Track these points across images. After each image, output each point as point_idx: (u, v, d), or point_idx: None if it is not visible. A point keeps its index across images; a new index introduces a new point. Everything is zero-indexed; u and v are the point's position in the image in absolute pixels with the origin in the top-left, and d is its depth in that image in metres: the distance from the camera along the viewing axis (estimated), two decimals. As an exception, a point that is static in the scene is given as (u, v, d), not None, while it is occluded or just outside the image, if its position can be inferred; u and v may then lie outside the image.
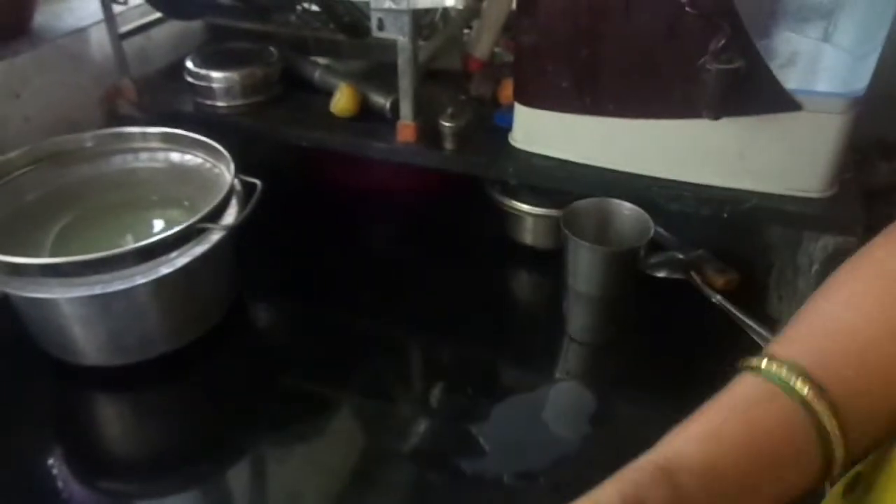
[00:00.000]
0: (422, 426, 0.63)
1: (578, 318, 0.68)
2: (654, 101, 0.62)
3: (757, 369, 0.38)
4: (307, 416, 0.63)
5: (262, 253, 0.81)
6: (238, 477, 0.59)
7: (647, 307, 0.70)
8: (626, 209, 0.67)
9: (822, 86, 0.59)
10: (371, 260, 0.83)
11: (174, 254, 0.60)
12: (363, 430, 0.63)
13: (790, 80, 0.59)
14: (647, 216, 0.65)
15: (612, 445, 0.58)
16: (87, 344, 0.62)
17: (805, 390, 0.37)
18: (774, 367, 0.38)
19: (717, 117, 0.60)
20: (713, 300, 0.72)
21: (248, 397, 0.66)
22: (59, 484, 0.57)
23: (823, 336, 0.40)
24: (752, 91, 0.59)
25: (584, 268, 0.63)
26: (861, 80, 0.58)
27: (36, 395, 0.66)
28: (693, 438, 0.37)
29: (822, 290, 0.42)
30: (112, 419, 0.66)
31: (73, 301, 0.58)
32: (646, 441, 0.38)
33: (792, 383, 0.37)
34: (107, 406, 0.67)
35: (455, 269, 0.80)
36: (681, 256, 0.77)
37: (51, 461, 0.59)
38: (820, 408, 0.36)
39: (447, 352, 0.70)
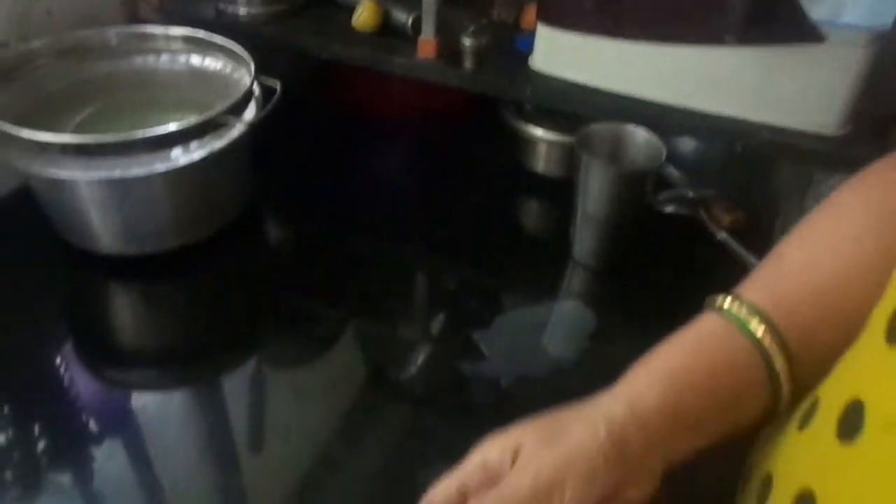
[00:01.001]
0: (425, 334, 0.65)
1: (585, 242, 0.69)
2: (677, 23, 0.62)
3: (720, 308, 0.42)
4: (310, 327, 0.65)
5: (276, 165, 0.83)
6: (237, 380, 0.60)
7: (653, 239, 0.71)
8: (639, 135, 0.67)
9: (848, 18, 0.59)
10: (382, 181, 0.84)
11: (192, 145, 0.60)
12: (365, 346, 0.64)
13: (816, 11, 0.59)
14: (660, 142, 0.65)
15: (609, 360, 0.59)
16: (104, 231, 0.63)
17: (759, 331, 0.40)
18: (735, 306, 0.41)
19: (740, 43, 0.60)
20: (719, 237, 0.73)
21: (253, 304, 0.67)
22: (66, 369, 0.59)
23: (785, 280, 0.43)
24: (777, 19, 0.59)
25: (595, 188, 0.64)
26: (887, 14, 0.58)
27: (52, 281, 0.68)
28: (657, 379, 0.41)
29: (790, 236, 0.45)
30: (122, 309, 0.68)
31: (91, 184, 0.59)
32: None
33: (748, 324, 0.40)
34: (118, 296, 0.69)
35: (465, 194, 0.81)
36: (690, 194, 0.78)
37: (60, 346, 0.61)
38: (772, 349, 0.40)
39: (453, 273, 0.72)
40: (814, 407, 0.36)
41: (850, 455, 0.31)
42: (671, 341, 0.43)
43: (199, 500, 0.51)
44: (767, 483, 0.38)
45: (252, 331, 0.65)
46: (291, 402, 0.59)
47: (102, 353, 0.62)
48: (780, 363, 0.40)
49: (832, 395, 0.34)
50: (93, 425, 0.55)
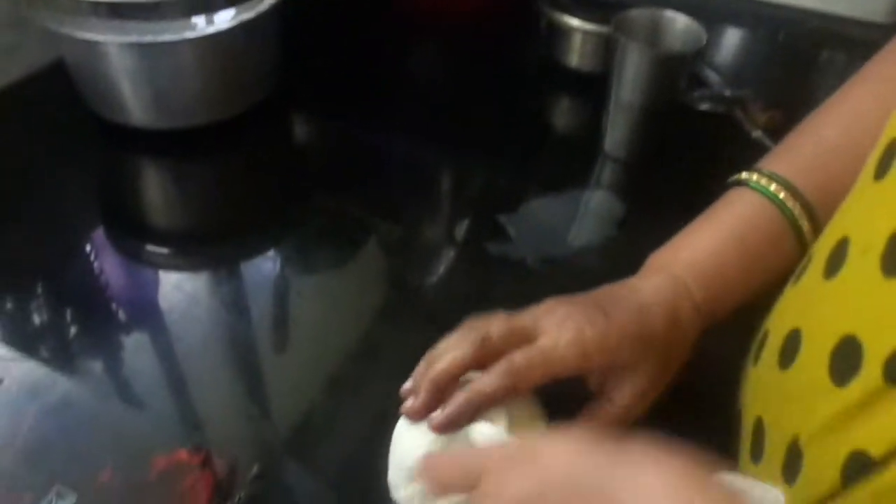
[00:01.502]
0: (453, 218, 0.64)
1: (616, 132, 0.68)
2: None
3: (744, 182, 0.46)
4: (335, 224, 0.64)
5: (305, 54, 0.81)
6: (260, 268, 0.60)
7: (686, 135, 0.70)
8: (679, 22, 0.65)
9: None
10: (412, 75, 0.83)
11: (222, 14, 0.60)
12: (391, 244, 0.63)
13: None
14: (700, 28, 0.63)
15: (637, 248, 0.59)
16: (134, 102, 0.64)
17: (787, 199, 0.43)
18: (763, 180, 0.45)
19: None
20: (753, 135, 0.72)
21: (278, 193, 0.67)
22: (95, 245, 0.60)
23: (806, 150, 0.47)
24: None
25: (631, 73, 0.63)
26: None
27: (83, 156, 0.69)
28: (700, 249, 0.44)
29: (822, 109, 0.48)
30: (151, 185, 0.69)
31: (122, 49, 0.59)
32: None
33: (777, 193, 0.44)
34: (147, 171, 0.69)
35: (498, 90, 0.80)
36: (727, 93, 0.76)
37: (90, 221, 0.62)
38: (801, 217, 0.43)
39: (482, 169, 0.70)
40: (808, 260, 0.37)
41: (832, 288, 0.32)
42: (708, 216, 0.46)
43: (219, 387, 0.50)
44: (764, 335, 0.39)
45: (277, 221, 0.64)
46: (314, 297, 0.58)
47: (131, 230, 0.63)
48: (804, 223, 0.43)
49: (823, 243, 0.36)
50: (119, 303, 0.56)
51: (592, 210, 0.65)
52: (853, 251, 0.31)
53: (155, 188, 0.69)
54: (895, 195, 0.30)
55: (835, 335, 0.30)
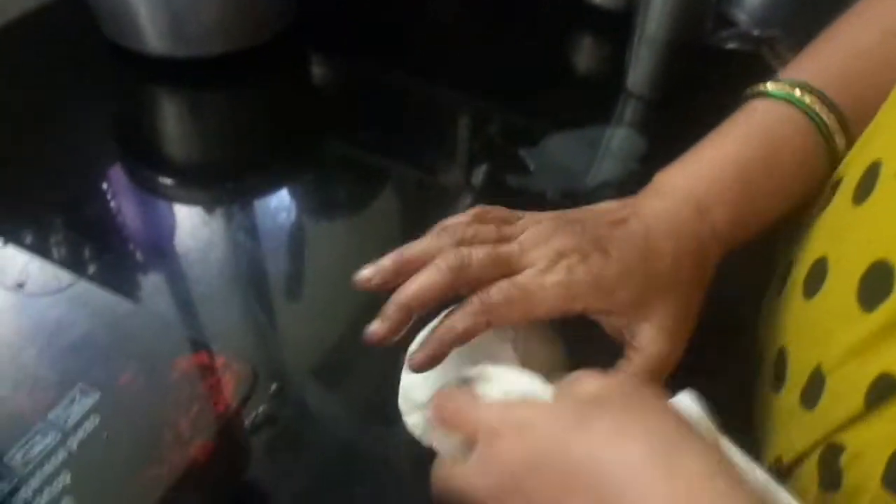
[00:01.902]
0: (473, 159, 0.64)
1: (641, 69, 0.66)
2: None
3: (769, 93, 0.40)
4: (352, 166, 0.63)
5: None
6: (276, 206, 0.59)
7: (712, 73, 0.68)
8: (709, -46, 0.63)
9: None
10: (433, 16, 0.81)
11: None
12: (408, 190, 0.62)
13: None
14: (731, -41, 0.61)
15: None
16: (152, 29, 0.63)
17: (807, 99, 0.38)
18: (797, 90, 0.38)
19: None
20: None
21: (293, 131, 0.66)
22: (112, 175, 0.60)
23: (837, 57, 0.40)
24: None
25: (658, 7, 0.61)
26: None
27: (99, 86, 0.68)
28: (722, 166, 0.38)
29: (844, 16, 0.42)
30: (168, 115, 0.69)
31: (140, -28, 0.58)
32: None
33: (793, 94, 0.38)
34: (164, 101, 0.69)
35: (519, 28, 0.78)
36: (754, 32, 0.74)
37: (107, 150, 0.62)
38: (832, 124, 0.38)
39: (503, 109, 0.69)
40: (837, 183, 0.35)
41: (861, 213, 0.31)
42: (723, 132, 0.41)
43: (236, 312, 0.50)
44: (787, 266, 0.38)
45: (292, 160, 0.63)
46: (328, 242, 0.58)
47: (147, 161, 0.62)
48: (836, 132, 0.38)
49: (851, 167, 0.34)
50: (137, 232, 0.56)
51: (614, 146, 0.64)
52: (885, 174, 0.30)
53: (170, 118, 0.68)
54: None
55: (864, 261, 0.29)
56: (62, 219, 0.56)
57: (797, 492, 0.30)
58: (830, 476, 0.29)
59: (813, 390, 0.31)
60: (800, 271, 0.36)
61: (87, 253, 0.54)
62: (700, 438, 0.24)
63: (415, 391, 0.38)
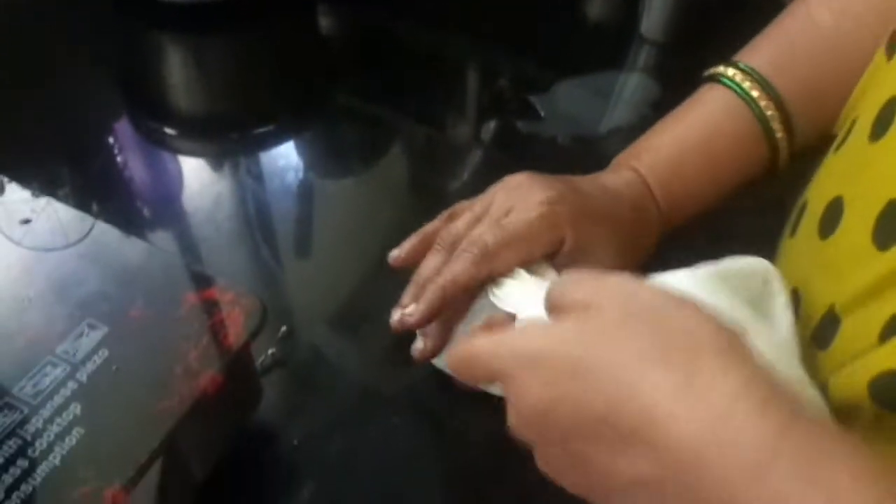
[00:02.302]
0: (480, 99, 0.63)
1: (654, 14, 0.65)
2: None
3: (720, 77, 0.42)
4: (360, 120, 0.62)
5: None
6: (280, 154, 0.58)
7: (727, 16, 0.67)
8: None
9: None
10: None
11: None
12: (417, 145, 0.61)
13: None
14: None
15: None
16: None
17: (761, 100, 0.40)
18: (738, 75, 0.41)
19: None
20: (799, 20, 0.68)
21: (302, 80, 0.65)
22: (117, 123, 0.59)
23: (786, 44, 0.42)
24: None
25: (673, -55, 0.59)
26: None
27: (97, 30, 0.67)
28: (661, 151, 0.42)
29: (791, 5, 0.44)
30: (174, 63, 0.68)
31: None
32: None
33: (750, 92, 0.40)
34: (170, 47, 0.68)
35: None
36: (772, -24, 0.72)
37: (112, 98, 0.61)
38: (773, 119, 0.40)
39: (513, 53, 0.67)
40: (852, 125, 0.35)
41: (878, 150, 0.30)
42: (673, 117, 0.44)
43: (242, 257, 0.50)
44: (801, 208, 0.37)
45: (298, 113, 0.62)
46: (336, 193, 0.57)
47: (152, 110, 0.61)
48: (777, 126, 0.40)
49: (867, 106, 0.33)
50: (142, 181, 0.56)
51: (627, 92, 0.63)
52: None
53: (175, 66, 0.67)
54: None
55: (881, 199, 0.28)
56: (69, 166, 0.55)
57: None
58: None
59: (826, 330, 0.31)
60: (815, 212, 0.35)
61: (94, 200, 0.53)
62: (717, 341, 0.23)
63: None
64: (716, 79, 0.42)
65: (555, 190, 0.37)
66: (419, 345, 0.38)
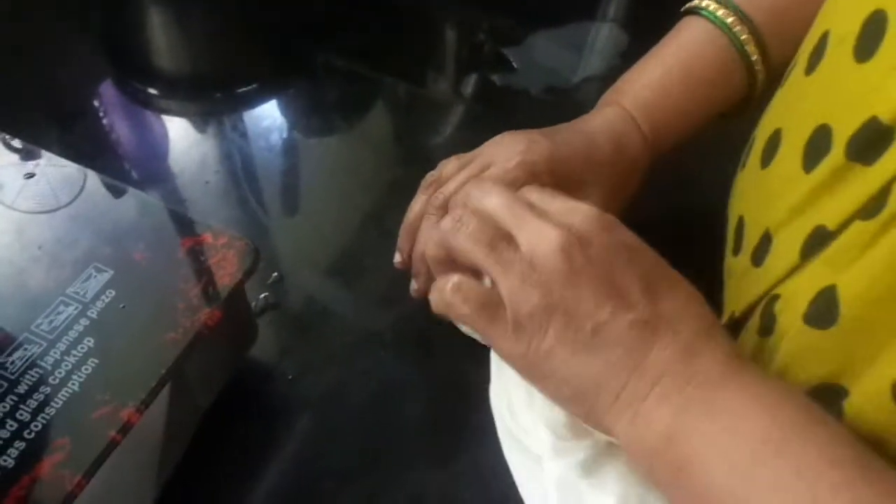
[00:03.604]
0: (458, 54, 0.65)
1: (624, -36, 0.67)
2: None
3: (696, 9, 0.44)
4: (344, 82, 0.64)
5: None
6: (269, 120, 0.60)
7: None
8: None
9: None
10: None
11: None
12: (399, 103, 0.63)
13: None
14: None
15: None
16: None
17: (735, 26, 0.42)
18: (711, 5, 0.43)
19: None
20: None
21: (284, 39, 0.66)
22: (104, 90, 0.61)
23: None
24: None
25: None
26: None
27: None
28: (644, 82, 0.44)
29: None
30: (157, 26, 0.69)
31: None
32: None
33: (725, 19, 0.43)
34: (149, 8, 0.69)
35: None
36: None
37: (87, 64, 0.63)
38: (748, 43, 0.42)
39: (486, 11, 0.68)
40: (795, 62, 0.37)
41: (809, 83, 0.33)
42: (655, 50, 0.46)
43: (231, 221, 0.51)
44: (751, 142, 0.40)
45: (281, 71, 0.64)
46: (319, 150, 0.59)
47: (136, 72, 0.63)
48: (755, 54, 0.43)
49: (807, 41, 0.35)
50: (129, 145, 0.58)
51: (597, 43, 0.65)
52: (832, 43, 0.31)
53: (157, 28, 0.68)
54: None
55: (809, 127, 0.31)
56: (58, 128, 0.57)
57: (742, 341, 0.34)
58: (767, 323, 0.32)
59: (761, 249, 0.34)
60: (759, 144, 0.38)
61: (84, 160, 0.55)
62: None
63: None
64: (693, 12, 0.45)
65: (530, 140, 0.40)
66: (415, 285, 0.43)
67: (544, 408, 0.33)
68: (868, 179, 0.26)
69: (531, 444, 0.34)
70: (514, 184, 0.38)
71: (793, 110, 0.35)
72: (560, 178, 0.39)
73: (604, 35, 0.65)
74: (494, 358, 0.38)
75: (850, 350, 0.27)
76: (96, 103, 0.61)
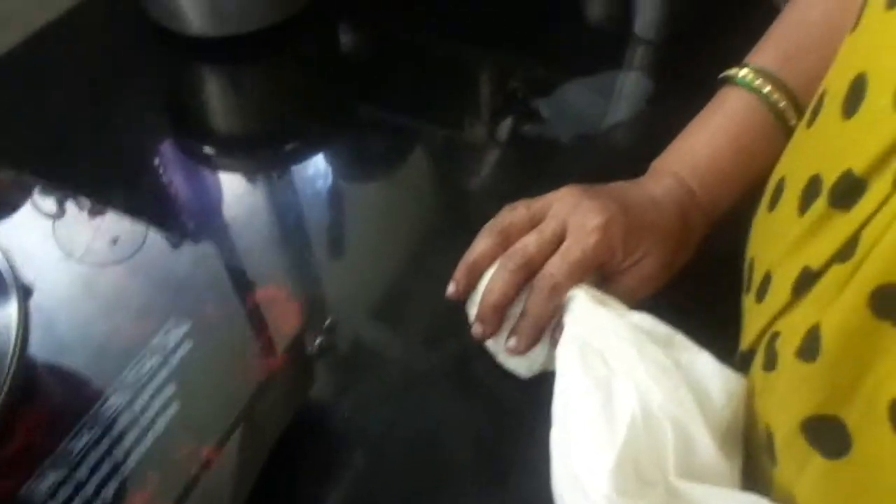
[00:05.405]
0: (495, 115, 0.68)
1: (647, 14, 0.70)
2: None
3: (733, 78, 0.47)
4: (386, 133, 0.67)
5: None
6: (312, 167, 0.64)
7: (716, 10, 0.72)
8: None
9: None
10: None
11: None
12: (437, 151, 0.66)
13: None
14: None
15: (665, 119, 0.63)
16: (193, 11, 0.69)
17: (773, 95, 0.45)
18: (749, 75, 0.46)
19: None
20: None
21: (328, 97, 0.71)
22: (155, 149, 0.65)
23: (785, 42, 0.47)
24: None
25: (659, -47, 0.65)
26: None
27: (143, 64, 0.74)
28: (697, 153, 0.47)
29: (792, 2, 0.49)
30: (211, 92, 0.75)
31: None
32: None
33: (762, 88, 0.45)
34: (207, 77, 0.75)
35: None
36: (759, -29, 0.77)
37: (153, 127, 0.67)
38: (787, 110, 0.45)
39: (519, 61, 0.73)
40: (822, 98, 0.39)
41: (809, 135, 0.35)
42: (700, 120, 0.48)
43: (284, 272, 0.52)
44: (781, 184, 0.42)
45: (327, 123, 0.68)
46: (365, 199, 0.62)
47: (193, 135, 0.68)
48: (790, 114, 0.45)
49: (838, 82, 0.37)
50: (185, 202, 0.61)
51: (624, 90, 0.68)
52: (827, 100, 0.34)
53: (213, 94, 0.74)
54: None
55: (806, 175, 0.33)
56: (122, 188, 0.61)
57: (750, 376, 0.36)
58: (770, 358, 0.34)
59: (763, 287, 0.36)
60: (769, 190, 0.41)
61: (145, 216, 0.60)
62: None
63: None
64: (730, 81, 0.47)
65: (608, 212, 0.42)
66: (478, 329, 0.45)
67: (606, 463, 0.34)
68: (844, 225, 0.29)
69: (590, 490, 0.35)
70: (594, 263, 0.41)
71: (795, 160, 0.37)
72: (630, 250, 0.42)
73: (631, 83, 0.69)
74: (558, 403, 0.40)
75: (833, 381, 0.29)
76: (156, 161, 0.66)
